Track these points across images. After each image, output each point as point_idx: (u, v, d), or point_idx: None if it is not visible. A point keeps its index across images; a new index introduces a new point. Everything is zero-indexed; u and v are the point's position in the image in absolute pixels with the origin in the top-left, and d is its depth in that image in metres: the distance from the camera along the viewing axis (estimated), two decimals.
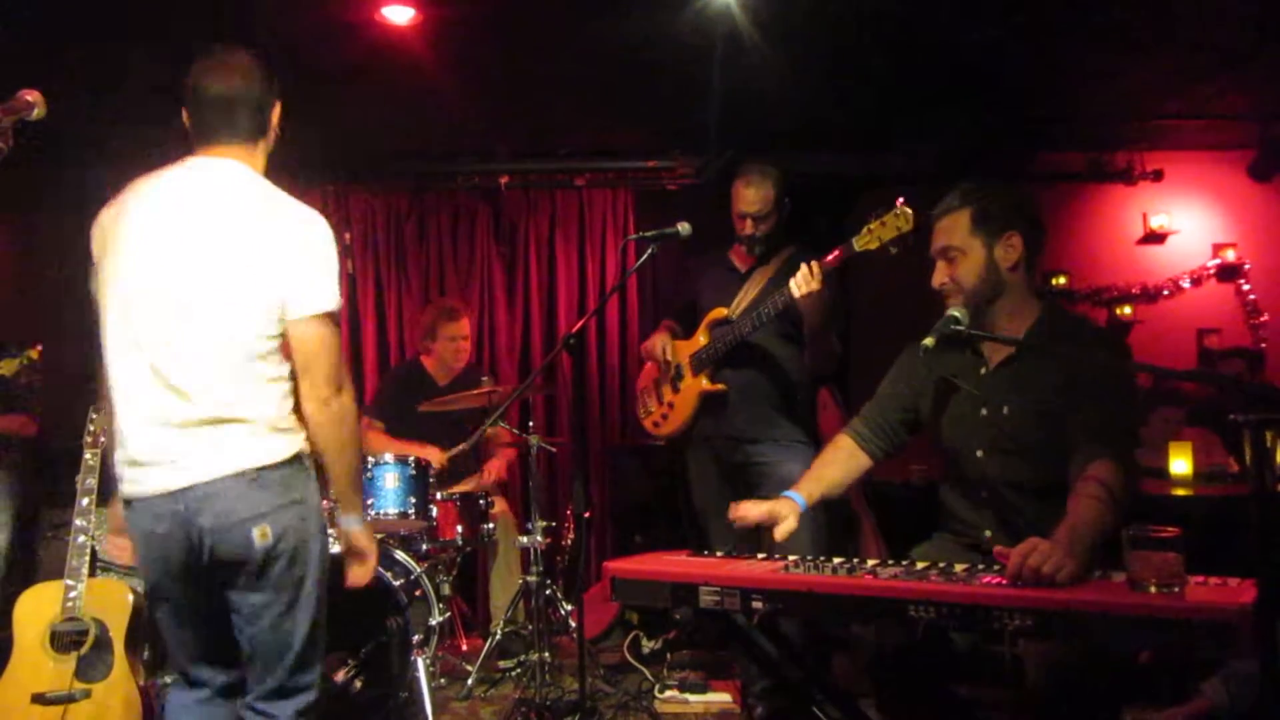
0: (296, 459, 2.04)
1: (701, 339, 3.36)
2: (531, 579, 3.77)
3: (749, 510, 2.32)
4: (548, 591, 3.88)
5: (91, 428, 3.06)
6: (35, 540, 4.24)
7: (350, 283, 5.11)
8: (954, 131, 4.70)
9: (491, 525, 4.04)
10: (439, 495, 3.85)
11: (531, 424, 3.88)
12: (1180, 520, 1.74)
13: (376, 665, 3.25)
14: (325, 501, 2.24)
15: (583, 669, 2.91)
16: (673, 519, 4.50)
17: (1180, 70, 4.31)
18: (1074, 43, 4.08)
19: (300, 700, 2.09)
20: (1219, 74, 4.36)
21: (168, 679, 2.18)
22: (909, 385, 2.43)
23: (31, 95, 1.78)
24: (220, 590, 2.03)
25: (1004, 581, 1.77)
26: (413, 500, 3.71)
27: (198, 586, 2.02)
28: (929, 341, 2.14)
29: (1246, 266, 5.44)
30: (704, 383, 3.32)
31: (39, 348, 3.36)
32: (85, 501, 2.99)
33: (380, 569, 3.35)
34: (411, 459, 3.71)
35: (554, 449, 4.50)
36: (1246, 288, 5.44)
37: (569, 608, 4.11)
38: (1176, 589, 1.63)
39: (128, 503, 2.01)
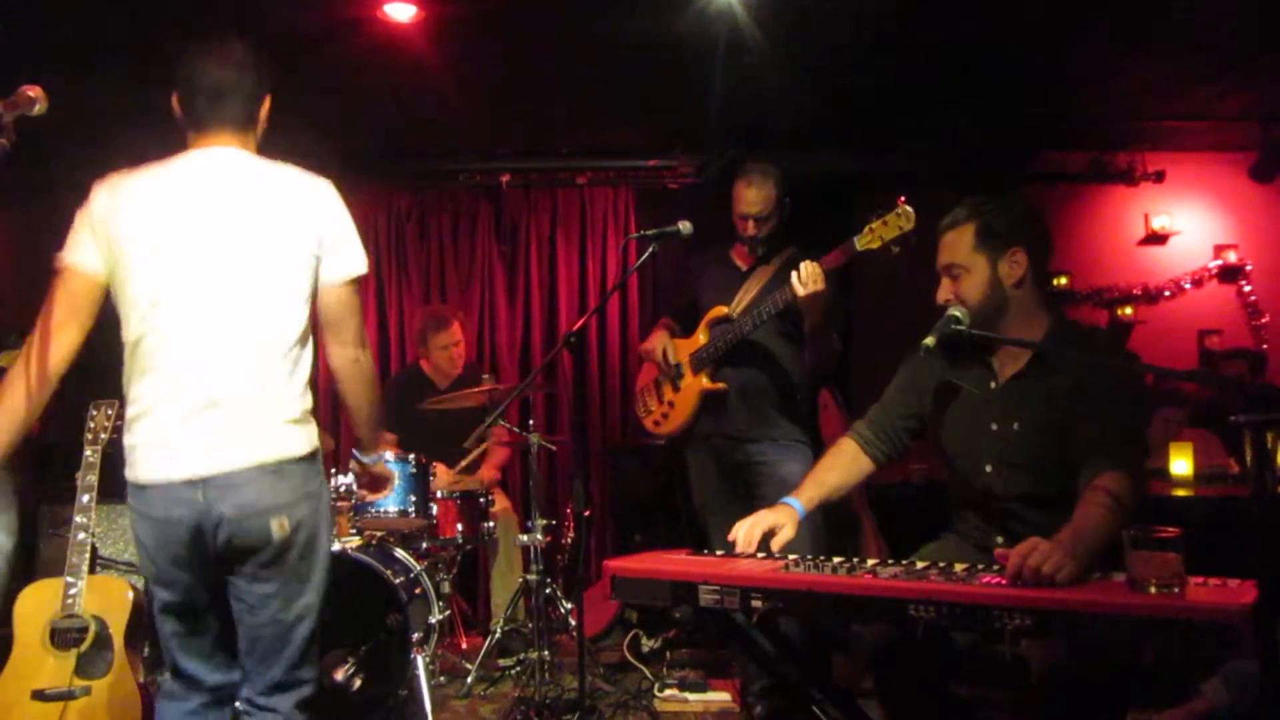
0: (314, 454, 2.09)
1: (701, 337, 3.36)
2: (531, 577, 3.77)
3: (750, 537, 2.26)
4: (547, 590, 3.88)
5: (92, 424, 3.05)
6: (35, 537, 4.24)
7: None
8: (955, 131, 4.70)
9: (492, 523, 4.04)
10: (439, 493, 3.85)
11: (532, 422, 3.89)
12: (1181, 521, 1.74)
13: (376, 663, 3.24)
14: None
15: (582, 667, 2.91)
16: (672, 518, 4.51)
17: (1182, 71, 4.32)
18: (1076, 43, 4.07)
19: (299, 694, 2.10)
20: (1221, 75, 4.36)
21: (166, 677, 2.16)
22: (914, 390, 2.43)
23: (33, 91, 1.79)
24: (224, 581, 2.04)
25: (1004, 581, 1.77)
26: (413, 498, 3.71)
27: (204, 575, 2.02)
28: (929, 341, 2.14)
29: (1248, 268, 5.44)
30: (704, 381, 3.32)
31: None
32: (86, 498, 2.99)
33: (380, 567, 3.36)
34: (412, 457, 3.71)
35: (554, 447, 4.50)
36: (1248, 289, 5.44)
37: (569, 606, 4.10)
38: (1177, 589, 1.63)
39: (141, 487, 2.01)
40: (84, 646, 2.89)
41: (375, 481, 2.49)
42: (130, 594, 2.98)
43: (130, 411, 2.04)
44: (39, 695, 2.81)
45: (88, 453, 3.04)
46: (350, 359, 2.13)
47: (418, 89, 4.35)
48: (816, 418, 3.60)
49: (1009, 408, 2.21)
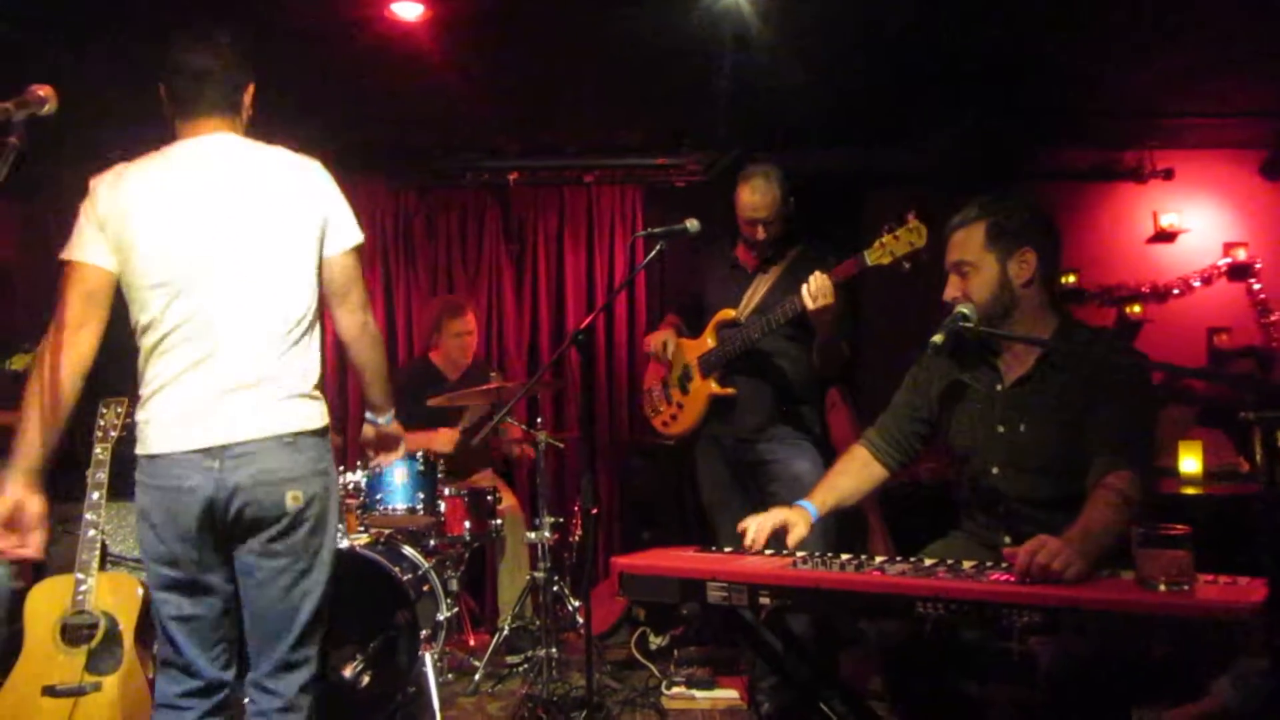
0: (325, 430, 2.15)
1: (709, 341, 3.36)
2: (539, 575, 3.78)
3: (760, 532, 2.28)
4: (555, 587, 3.89)
5: (101, 422, 3.06)
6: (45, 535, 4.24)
7: None
8: (963, 128, 4.68)
9: (499, 521, 4.05)
10: (447, 491, 3.86)
11: (540, 420, 3.89)
12: (1190, 519, 1.74)
13: (384, 660, 3.25)
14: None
15: (590, 665, 2.91)
16: (680, 515, 4.51)
17: (1191, 68, 4.29)
18: (1084, 40, 4.06)
19: (302, 674, 2.12)
20: (1230, 72, 4.34)
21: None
22: (923, 394, 2.43)
23: (43, 90, 1.80)
24: (229, 559, 2.06)
25: (1013, 579, 1.77)
26: (421, 496, 3.73)
27: (209, 551, 2.04)
28: (938, 338, 2.14)
29: (1257, 265, 5.41)
30: (713, 386, 3.32)
31: None
32: (96, 495, 3.00)
33: (388, 564, 3.37)
34: (420, 454, 3.72)
35: (562, 445, 4.51)
36: (1257, 287, 5.41)
37: (576, 603, 4.11)
38: (1186, 587, 1.63)
39: (153, 458, 2.03)
40: (94, 643, 2.90)
41: (387, 441, 2.52)
42: (140, 590, 3.00)
43: (145, 390, 2.07)
44: (50, 691, 2.83)
45: (97, 450, 3.05)
46: (360, 323, 2.23)
47: (425, 88, 4.36)
48: (825, 416, 3.59)
49: (1015, 410, 2.21)
